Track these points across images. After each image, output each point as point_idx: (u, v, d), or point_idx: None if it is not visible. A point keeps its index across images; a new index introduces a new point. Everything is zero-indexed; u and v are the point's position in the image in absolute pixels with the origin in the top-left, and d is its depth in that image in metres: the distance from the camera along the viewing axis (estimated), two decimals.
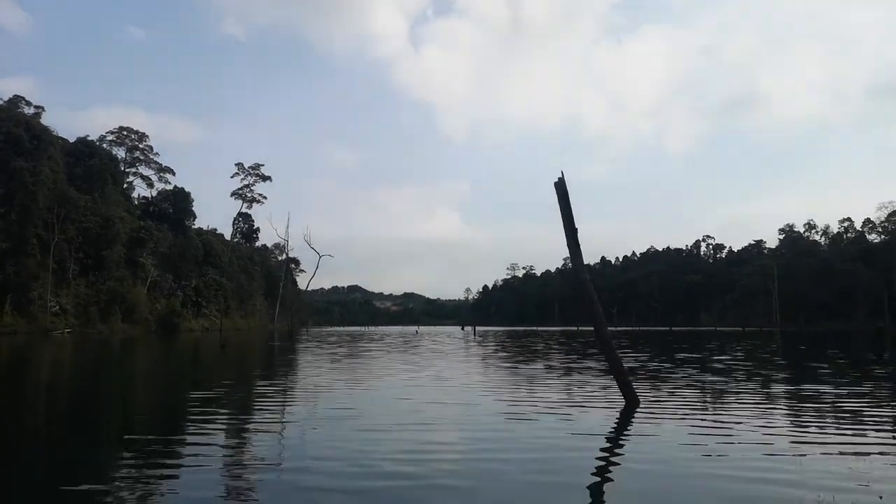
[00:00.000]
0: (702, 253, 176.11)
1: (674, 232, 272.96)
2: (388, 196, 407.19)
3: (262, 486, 4.72)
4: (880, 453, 5.96)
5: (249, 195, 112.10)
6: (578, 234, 9.99)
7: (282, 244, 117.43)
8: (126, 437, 7.00)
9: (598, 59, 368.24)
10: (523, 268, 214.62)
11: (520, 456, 5.83)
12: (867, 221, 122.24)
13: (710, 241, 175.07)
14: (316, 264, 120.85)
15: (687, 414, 8.42)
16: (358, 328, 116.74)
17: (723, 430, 7.24)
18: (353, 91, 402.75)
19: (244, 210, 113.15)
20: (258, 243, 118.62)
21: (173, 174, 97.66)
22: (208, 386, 12.99)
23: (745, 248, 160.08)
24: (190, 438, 6.85)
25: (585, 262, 10.35)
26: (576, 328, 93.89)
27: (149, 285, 76.46)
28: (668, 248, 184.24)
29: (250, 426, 7.78)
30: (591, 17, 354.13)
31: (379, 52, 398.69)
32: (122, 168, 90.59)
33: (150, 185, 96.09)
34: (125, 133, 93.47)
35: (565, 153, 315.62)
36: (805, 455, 5.87)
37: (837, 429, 7.28)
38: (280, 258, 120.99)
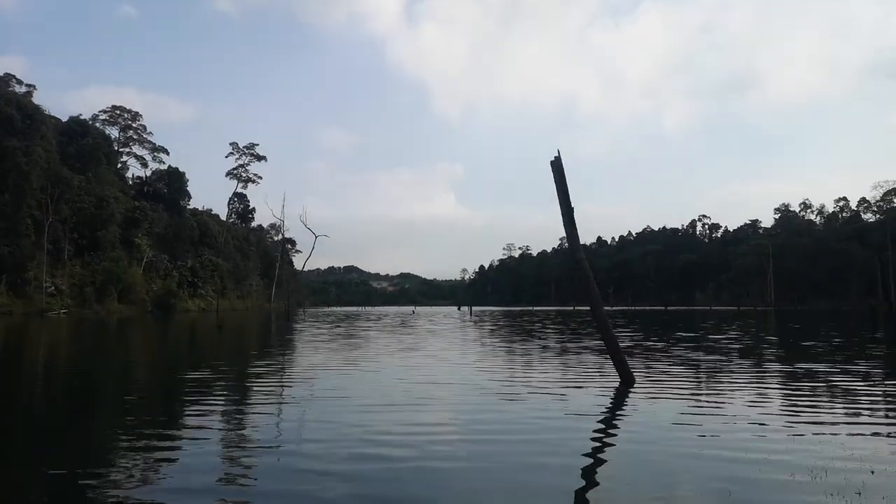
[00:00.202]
0: (697, 232, 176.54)
1: (670, 211, 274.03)
2: (384, 176, 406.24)
3: (260, 466, 4.72)
4: (874, 432, 6.00)
5: (244, 175, 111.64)
6: (575, 214, 9.96)
7: (278, 224, 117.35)
8: (123, 418, 7.01)
9: (595, 38, 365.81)
10: (519, 248, 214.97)
11: (515, 435, 5.85)
12: (863, 201, 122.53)
13: (705, 220, 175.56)
14: (312, 245, 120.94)
15: (682, 392, 8.47)
16: (354, 308, 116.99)
17: (717, 408, 7.29)
18: (347, 69, 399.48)
19: (239, 190, 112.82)
20: (254, 224, 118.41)
21: (167, 154, 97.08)
22: (205, 366, 13.00)
23: (740, 228, 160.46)
24: (187, 419, 6.87)
25: (581, 242, 10.33)
26: (572, 308, 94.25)
27: (144, 266, 76.29)
28: (663, 227, 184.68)
29: (247, 406, 7.79)
30: None
31: (373, 30, 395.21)
32: (116, 148, 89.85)
33: (144, 165, 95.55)
34: (118, 112, 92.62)
35: (561, 133, 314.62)
36: (799, 433, 5.91)
37: (831, 407, 7.33)
38: (276, 238, 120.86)
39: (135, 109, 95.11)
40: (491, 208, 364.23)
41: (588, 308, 10.33)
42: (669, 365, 12.07)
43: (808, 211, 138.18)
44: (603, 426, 6.47)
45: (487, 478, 4.45)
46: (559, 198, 9.99)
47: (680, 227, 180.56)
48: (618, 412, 7.38)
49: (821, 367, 11.49)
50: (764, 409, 7.24)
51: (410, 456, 4.96)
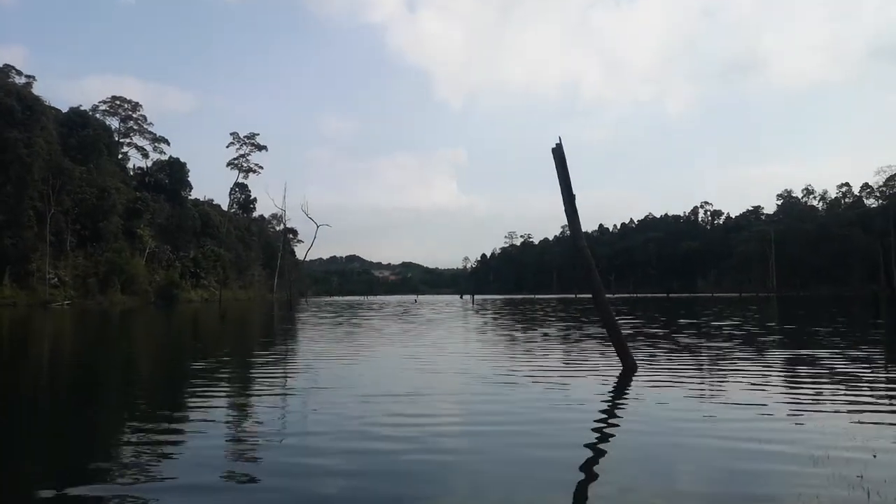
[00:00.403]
0: (699, 219, 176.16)
1: (672, 198, 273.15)
2: (385, 164, 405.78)
3: (263, 457, 4.72)
4: (876, 417, 6.01)
5: (245, 165, 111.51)
6: (576, 201, 9.95)
7: (279, 214, 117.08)
8: (126, 409, 7.04)
9: (596, 22, 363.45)
10: (521, 236, 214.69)
11: (517, 424, 5.85)
12: (865, 186, 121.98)
13: (707, 207, 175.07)
14: (314, 234, 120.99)
15: (684, 378, 8.49)
16: (357, 298, 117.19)
17: (719, 394, 7.31)
18: (348, 57, 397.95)
19: (241, 180, 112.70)
20: (255, 214, 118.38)
21: (168, 144, 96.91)
22: (208, 357, 13.05)
23: (742, 215, 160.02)
24: (190, 410, 6.88)
25: (583, 230, 10.32)
26: (574, 295, 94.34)
27: (147, 256, 76.40)
28: (665, 214, 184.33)
29: (250, 397, 7.82)
30: None
31: (373, 17, 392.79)
32: (117, 138, 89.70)
33: (145, 156, 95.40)
34: (118, 103, 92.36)
35: (563, 119, 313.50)
36: (801, 419, 5.92)
37: (833, 392, 7.34)
38: (278, 228, 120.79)
39: (135, 100, 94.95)
40: (493, 196, 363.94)
41: (590, 295, 10.34)
42: (672, 351, 12.10)
43: (811, 197, 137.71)
44: (605, 413, 6.50)
45: (490, 466, 4.44)
46: (561, 185, 9.97)
47: (682, 214, 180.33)
48: (620, 399, 7.40)
49: (823, 352, 11.50)
50: (766, 394, 7.26)
51: (412, 446, 4.96)
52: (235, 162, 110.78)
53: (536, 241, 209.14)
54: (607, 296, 10.37)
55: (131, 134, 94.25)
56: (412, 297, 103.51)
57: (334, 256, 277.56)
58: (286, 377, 9.43)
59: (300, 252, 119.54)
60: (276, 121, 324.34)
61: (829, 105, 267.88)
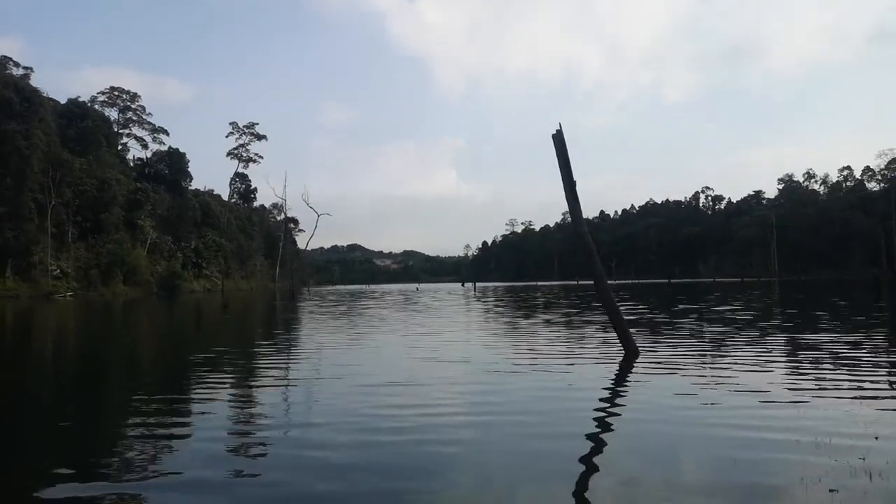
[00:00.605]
0: (700, 205, 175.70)
1: (673, 184, 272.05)
2: (386, 153, 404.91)
3: (267, 448, 4.73)
4: (878, 400, 6.02)
5: (245, 155, 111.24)
6: (577, 187, 9.92)
7: (280, 204, 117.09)
8: (131, 398, 7.06)
9: (596, 7, 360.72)
10: (522, 223, 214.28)
11: (519, 411, 5.86)
12: (867, 169, 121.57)
13: (709, 192, 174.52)
14: (315, 223, 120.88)
15: (686, 364, 8.50)
16: (359, 287, 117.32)
17: (722, 378, 7.31)
18: (347, 45, 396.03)
19: (241, 170, 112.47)
20: (256, 203, 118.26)
21: (167, 135, 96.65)
22: (211, 347, 13.09)
23: (743, 199, 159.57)
24: (194, 401, 6.90)
25: (584, 216, 10.30)
26: (575, 282, 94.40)
27: (148, 247, 76.47)
28: (666, 200, 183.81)
29: (253, 387, 7.84)
30: None
31: (373, 5, 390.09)
32: (116, 129, 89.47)
33: (145, 147, 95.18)
34: (117, 93, 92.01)
35: (564, 105, 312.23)
36: (803, 402, 5.93)
37: (835, 376, 7.35)
38: (279, 218, 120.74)
39: (133, 90, 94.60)
40: (494, 184, 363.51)
41: (591, 282, 10.34)
42: (674, 337, 12.11)
43: (812, 181, 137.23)
44: (608, 399, 6.51)
45: (493, 456, 4.45)
46: (561, 172, 9.94)
47: (683, 200, 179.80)
48: (623, 385, 7.42)
49: (824, 337, 11.51)
50: (768, 379, 7.27)
51: (415, 436, 4.96)
52: (235, 152, 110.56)
53: (537, 228, 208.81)
54: (608, 282, 10.36)
55: (130, 125, 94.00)
56: (414, 286, 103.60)
57: (335, 245, 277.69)
58: (289, 367, 9.45)
59: (301, 241, 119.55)
60: (276, 110, 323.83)
61: (830, 89, 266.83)
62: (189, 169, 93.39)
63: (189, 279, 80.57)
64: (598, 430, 5.19)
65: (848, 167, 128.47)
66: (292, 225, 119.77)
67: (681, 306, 23.82)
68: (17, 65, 74.04)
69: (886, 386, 6.75)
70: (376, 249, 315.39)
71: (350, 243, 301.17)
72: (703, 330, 13.59)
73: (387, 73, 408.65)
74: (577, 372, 8.18)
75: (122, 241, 70.26)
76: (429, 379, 7.81)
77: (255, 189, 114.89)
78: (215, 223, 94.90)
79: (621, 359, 9.12)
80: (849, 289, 39.83)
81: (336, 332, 15.44)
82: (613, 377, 7.84)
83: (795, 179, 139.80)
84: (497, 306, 28.03)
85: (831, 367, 8.08)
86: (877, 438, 4.59)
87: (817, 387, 6.72)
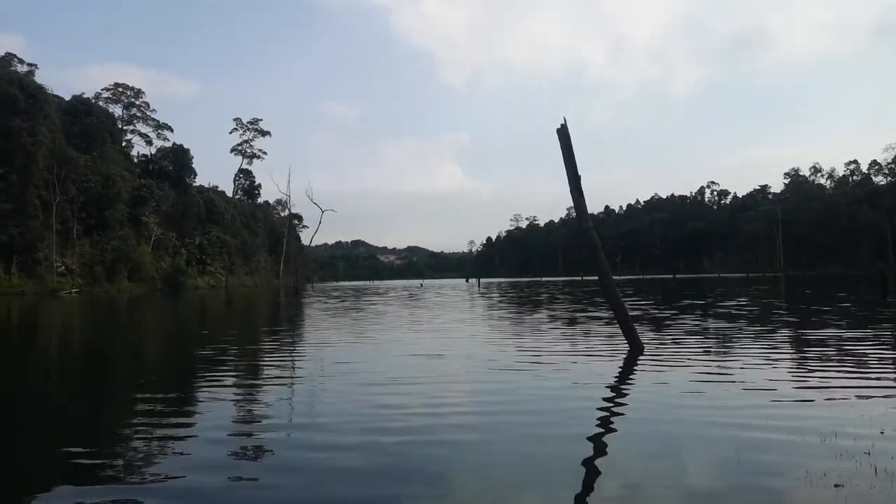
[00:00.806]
0: (706, 200, 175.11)
1: (678, 178, 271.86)
2: (390, 148, 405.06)
3: (271, 444, 4.72)
4: (884, 396, 5.99)
5: (249, 151, 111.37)
6: (582, 182, 9.88)
7: (284, 200, 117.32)
8: (136, 395, 7.07)
9: (600, 1, 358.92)
10: (527, 218, 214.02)
11: (524, 407, 5.84)
12: (874, 163, 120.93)
13: (714, 187, 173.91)
14: (319, 219, 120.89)
15: (691, 360, 8.47)
16: (363, 283, 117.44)
17: (726, 375, 7.28)
18: (351, 41, 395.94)
19: (245, 166, 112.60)
20: (260, 200, 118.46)
21: (171, 131, 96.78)
22: (216, 343, 13.11)
23: (749, 194, 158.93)
24: (199, 397, 6.90)
25: (589, 211, 10.27)
26: (580, 277, 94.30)
27: (153, 244, 76.68)
28: (672, 195, 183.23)
29: (258, 383, 7.84)
30: None
31: (377, 0, 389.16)
32: (120, 126, 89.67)
33: (149, 143, 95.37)
34: (121, 90, 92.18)
35: (568, 100, 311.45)
36: (809, 398, 5.90)
37: (841, 372, 7.31)
38: (283, 214, 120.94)
39: (137, 87, 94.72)
40: (498, 179, 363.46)
41: (596, 277, 10.31)
42: (678, 333, 12.07)
43: (818, 175, 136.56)
44: (612, 395, 6.49)
45: (497, 451, 4.44)
46: (566, 166, 9.91)
47: (689, 195, 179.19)
48: (627, 380, 7.40)
49: (830, 332, 11.46)
50: (773, 374, 7.24)
51: (419, 434, 4.94)
52: (239, 148, 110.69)
53: (542, 224, 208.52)
54: (613, 277, 10.33)
55: (134, 121, 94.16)
56: (418, 282, 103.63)
57: (339, 241, 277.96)
58: (293, 364, 9.46)
59: (305, 237, 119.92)
60: (280, 106, 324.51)
61: (837, 82, 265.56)
62: (193, 165, 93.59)
63: (193, 276, 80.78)
64: (603, 428, 5.17)
65: (854, 161, 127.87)
66: (296, 221, 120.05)
67: (686, 302, 23.75)
68: (21, 62, 74.24)
69: (892, 379, 6.71)
70: (380, 245, 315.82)
71: (354, 239, 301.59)
72: (709, 326, 13.55)
73: (390, 69, 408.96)
74: (581, 369, 8.16)
75: (126, 237, 70.47)
76: (432, 376, 7.79)
77: (259, 185, 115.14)
78: (219, 219, 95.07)
79: (626, 355, 9.10)
80: (855, 284, 39.66)
81: (340, 329, 15.45)
82: (618, 374, 7.81)
83: (801, 174, 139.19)
84: (501, 302, 28.01)
85: (837, 362, 8.04)
86: (882, 433, 4.56)
87: (823, 383, 6.69)
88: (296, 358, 10.08)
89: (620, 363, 8.49)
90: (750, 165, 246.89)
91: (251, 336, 14.73)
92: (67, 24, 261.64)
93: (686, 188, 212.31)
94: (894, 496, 3.37)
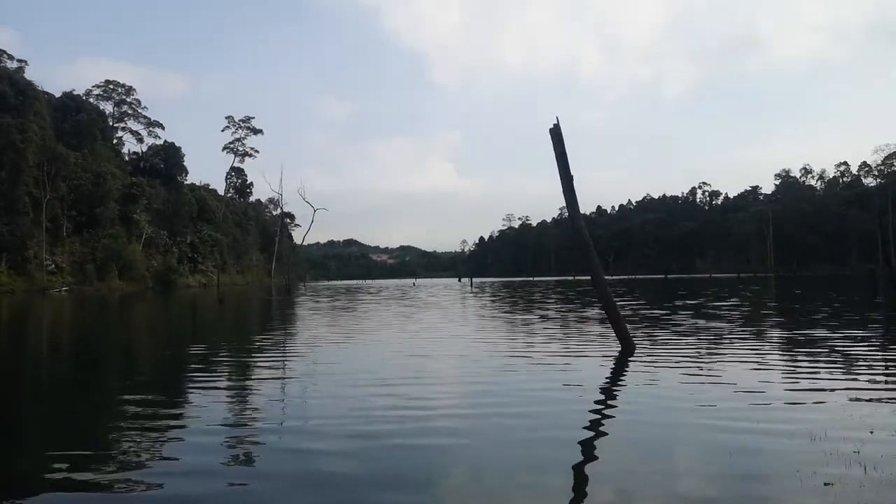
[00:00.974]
0: (698, 200, 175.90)
1: (670, 179, 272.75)
2: (382, 147, 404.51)
3: (262, 445, 4.69)
4: (873, 396, 6.02)
5: (241, 149, 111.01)
6: (574, 183, 9.89)
7: (276, 198, 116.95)
8: (125, 396, 7.01)
9: (593, 1, 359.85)
10: (519, 218, 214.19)
11: (515, 407, 5.82)
12: (863, 165, 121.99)
13: (705, 187, 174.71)
14: (311, 218, 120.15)
15: (682, 360, 8.48)
16: (355, 282, 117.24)
17: (717, 375, 7.30)
18: (343, 39, 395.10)
19: (237, 164, 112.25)
20: (252, 198, 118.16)
21: (162, 128, 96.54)
22: (207, 342, 13.06)
23: (740, 195, 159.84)
24: (190, 397, 6.84)
25: (581, 211, 10.28)
26: (572, 277, 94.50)
27: (144, 242, 76.28)
28: (663, 195, 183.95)
29: (249, 383, 7.80)
30: None
31: None
32: (111, 123, 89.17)
33: (140, 140, 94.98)
34: (112, 87, 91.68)
35: (561, 100, 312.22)
36: (799, 398, 5.92)
37: (831, 372, 7.34)
38: (275, 213, 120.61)
39: (128, 83, 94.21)
40: (490, 179, 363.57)
41: (588, 277, 10.32)
42: (670, 332, 12.11)
43: (809, 176, 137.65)
44: (604, 396, 6.49)
45: (488, 451, 4.42)
46: (558, 166, 9.92)
47: (680, 195, 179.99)
48: (618, 381, 7.40)
49: (821, 332, 11.52)
50: (764, 374, 7.27)
51: (410, 432, 4.93)
52: (231, 146, 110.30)
53: (534, 224, 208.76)
54: (605, 277, 10.34)
55: (125, 118, 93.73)
56: (410, 281, 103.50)
57: (332, 241, 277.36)
58: (285, 362, 9.42)
59: (298, 236, 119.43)
60: (272, 105, 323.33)
61: (828, 84, 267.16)
62: (185, 163, 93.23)
63: (185, 274, 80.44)
64: (594, 425, 5.17)
65: (845, 163, 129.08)
66: (288, 220, 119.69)
67: (677, 301, 23.84)
68: (11, 58, 73.78)
69: (883, 384, 6.74)
70: (373, 245, 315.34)
71: (346, 238, 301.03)
72: (700, 325, 13.60)
73: (383, 68, 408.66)
74: (573, 367, 8.16)
75: (117, 235, 70.08)
76: (424, 374, 7.79)
77: (251, 184, 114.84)
78: (211, 218, 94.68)
79: (618, 354, 9.11)
80: (845, 284, 39.94)
81: (332, 328, 15.41)
82: (609, 373, 7.82)
83: (792, 175, 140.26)
84: (493, 302, 28.03)
85: (827, 363, 8.07)
86: (872, 432, 4.59)
87: (813, 383, 6.71)
88: (286, 358, 10.03)
89: (612, 363, 8.50)
90: (741, 166, 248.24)
91: (242, 336, 14.67)
92: (58, 20, 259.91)
93: (678, 188, 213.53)
94: (884, 495, 3.39)
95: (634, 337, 10.13)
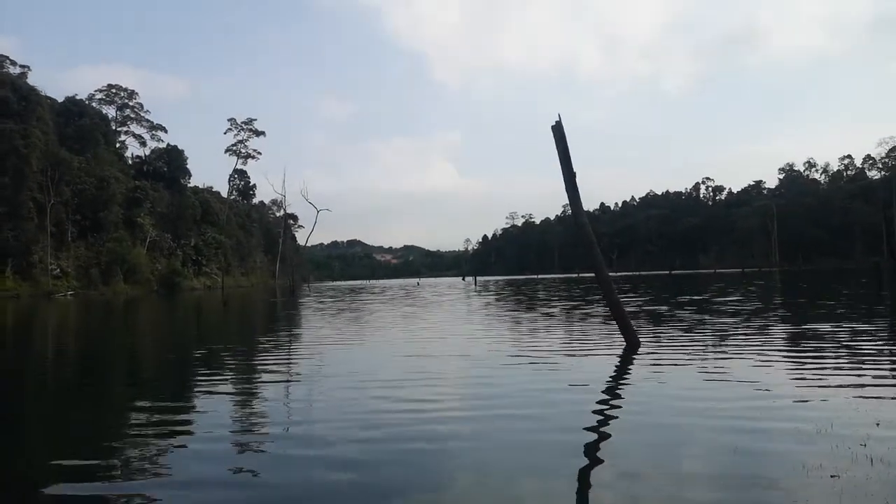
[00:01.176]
0: (701, 196, 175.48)
1: (673, 175, 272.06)
2: (384, 147, 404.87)
3: (267, 449, 4.66)
4: (879, 388, 6.01)
5: (244, 151, 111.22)
6: (577, 179, 9.89)
7: (279, 200, 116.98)
8: (131, 400, 7.03)
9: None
10: (522, 216, 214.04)
11: (520, 406, 5.79)
12: (867, 158, 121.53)
13: (709, 183, 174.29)
14: (314, 219, 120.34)
15: (688, 356, 8.46)
16: (359, 282, 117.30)
17: (723, 371, 7.27)
18: (342, 39, 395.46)
19: (239, 167, 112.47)
20: (255, 200, 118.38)
21: (165, 132, 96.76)
22: (212, 344, 13.09)
23: (744, 190, 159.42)
24: (195, 400, 6.83)
25: (584, 209, 10.27)
26: (576, 274, 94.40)
27: (148, 245, 76.47)
28: (667, 191, 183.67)
29: (254, 385, 7.80)
30: None
31: None
32: (114, 127, 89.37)
33: (143, 144, 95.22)
34: (114, 91, 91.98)
35: (562, 97, 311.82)
36: (805, 390, 5.91)
37: (837, 365, 7.32)
38: (278, 214, 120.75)
39: (130, 87, 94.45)
40: (493, 177, 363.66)
41: (592, 274, 10.32)
42: (675, 329, 12.10)
43: (813, 170, 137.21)
44: (609, 393, 6.47)
45: (493, 453, 4.38)
46: (561, 163, 9.91)
47: (683, 191, 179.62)
48: (623, 378, 7.39)
49: (826, 325, 11.49)
50: (769, 369, 7.25)
51: (415, 433, 4.90)
52: (234, 148, 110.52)
53: (538, 221, 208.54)
54: (609, 274, 10.34)
55: (128, 122, 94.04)
56: (414, 281, 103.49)
57: (335, 241, 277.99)
58: (289, 364, 9.43)
59: (301, 237, 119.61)
60: (274, 106, 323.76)
61: (830, 77, 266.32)
62: (188, 166, 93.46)
63: (189, 277, 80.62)
64: (599, 423, 5.16)
65: (849, 156, 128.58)
66: (292, 221, 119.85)
67: (682, 297, 23.80)
68: (13, 63, 74.01)
69: (888, 373, 6.73)
70: (376, 245, 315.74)
71: (350, 239, 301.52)
72: (705, 321, 13.58)
73: (383, 68, 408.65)
74: (577, 364, 8.16)
75: (121, 239, 70.27)
76: (429, 375, 7.77)
77: (255, 185, 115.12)
78: (215, 220, 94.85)
79: (622, 351, 9.11)
80: (850, 278, 39.82)
81: (336, 329, 15.43)
82: (614, 370, 7.81)
83: (796, 169, 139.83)
84: (497, 300, 28.02)
85: (833, 355, 8.06)
86: (878, 425, 4.58)
87: (818, 375, 6.71)
88: (291, 360, 10.02)
89: (617, 359, 8.49)
90: (744, 161, 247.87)
91: (246, 338, 14.70)
92: (59, 26, 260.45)
93: (681, 184, 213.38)
94: (890, 486, 3.38)
95: (639, 333, 10.12)
